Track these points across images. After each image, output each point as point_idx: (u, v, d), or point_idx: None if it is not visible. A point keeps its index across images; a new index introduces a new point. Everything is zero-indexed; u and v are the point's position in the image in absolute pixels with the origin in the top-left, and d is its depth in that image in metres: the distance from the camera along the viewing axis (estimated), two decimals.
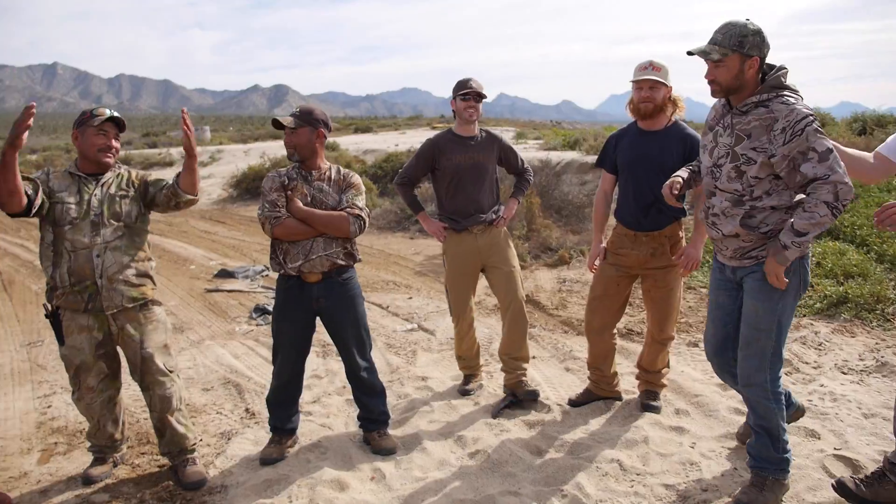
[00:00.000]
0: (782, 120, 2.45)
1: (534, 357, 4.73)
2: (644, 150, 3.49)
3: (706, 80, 2.60)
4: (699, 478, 2.97)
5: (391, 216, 10.59)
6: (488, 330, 5.43)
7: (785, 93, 2.51)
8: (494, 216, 3.94)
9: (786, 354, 3.12)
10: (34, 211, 2.82)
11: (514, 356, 3.90)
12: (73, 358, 3.02)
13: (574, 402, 3.83)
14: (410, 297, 6.58)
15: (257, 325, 5.79)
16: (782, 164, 2.48)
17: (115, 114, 3.00)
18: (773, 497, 2.72)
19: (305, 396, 4.14)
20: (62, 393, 4.40)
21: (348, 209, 3.20)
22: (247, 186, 14.69)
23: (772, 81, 2.52)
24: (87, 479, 3.17)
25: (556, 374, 4.39)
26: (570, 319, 5.67)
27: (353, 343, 3.36)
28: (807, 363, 4.31)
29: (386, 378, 4.40)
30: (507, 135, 24.69)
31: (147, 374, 3.09)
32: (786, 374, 4.02)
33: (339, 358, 4.16)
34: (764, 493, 2.72)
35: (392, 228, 10.27)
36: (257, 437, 3.62)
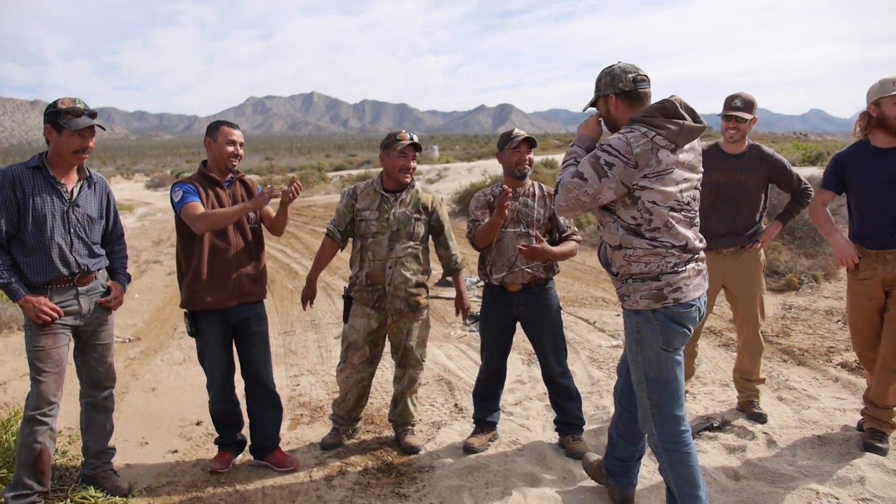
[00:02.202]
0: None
1: None
2: (889, 169, 3.34)
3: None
4: None
5: None
6: (697, 352, 5.28)
7: (633, 125, 2.47)
8: (749, 240, 3.85)
9: None
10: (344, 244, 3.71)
11: (746, 378, 3.98)
12: (349, 335, 3.64)
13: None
14: (618, 314, 6.59)
15: (470, 330, 6.25)
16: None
17: (415, 139, 3.59)
18: None
19: (508, 399, 4.45)
20: (308, 375, 5.21)
21: (574, 236, 3.57)
22: (468, 202, 15.55)
23: (634, 116, 2.50)
24: (323, 446, 3.79)
25: (767, 402, 4.16)
26: (790, 348, 5.29)
27: (550, 349, 3.61)
28: None
29: (585, 389, 4.54)
30: None
31: (405, 359, 3.72)
32: None
33: (537, 366, 4.42)
34: None
35: None
36: (463, 429, 3.99)
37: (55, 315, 2.91)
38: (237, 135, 3.35)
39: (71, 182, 3.02)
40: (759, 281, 3.90)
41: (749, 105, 3.73)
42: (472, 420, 3.85)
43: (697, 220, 2.61)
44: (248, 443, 3.65)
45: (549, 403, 4.22)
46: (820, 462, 3.31)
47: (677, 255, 2.50)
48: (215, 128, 3.36)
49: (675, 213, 2.48)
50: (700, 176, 2.62)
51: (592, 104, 2.72)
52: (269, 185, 3.29)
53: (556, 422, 3.72)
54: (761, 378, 4.00)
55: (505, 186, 3.34)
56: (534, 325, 3.61)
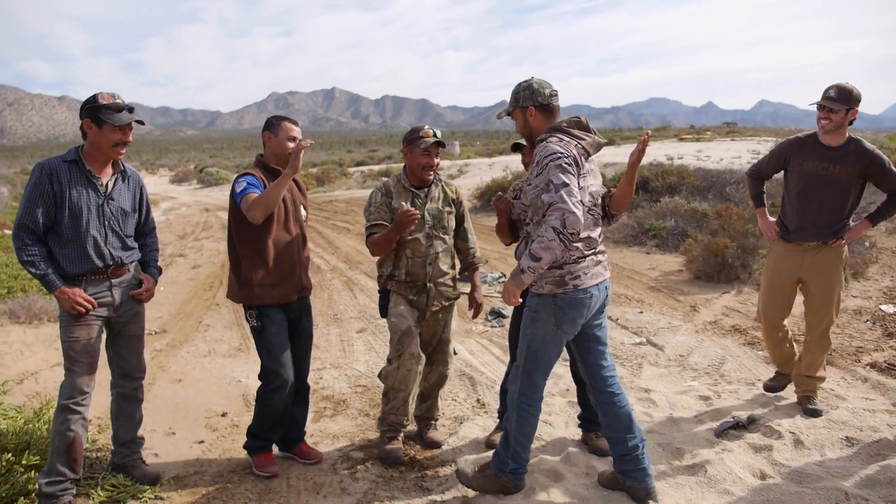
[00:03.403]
0: (537, 156, 2.78)
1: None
2: None
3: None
4: None
5: (627, 230, 10.50)
6: (722, 351, 5.24)
7: (557, 134, 2.84)
8: (833, 236, 3.79)
9: None
10: None
11: (807, 375, 3.99)
12: (400, 324, 3.47)
13: None
14: (641, 312, 6.55)
15: (492, 326, 6.25)
16: (531, 193, 2.79)
17: (439, 135, 3.54)
18: (479, 482, 3.05)
19: None
20: (331, 369, 5.25)
21: None
22: (489, 198, 15.50)
23: (554, 126, 2.89)
24: (395, 460, 3.49)
25: (793, 401, 4.11)
26: None
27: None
28: None
29: None
30: (765, 145, 22.73)
31: (438, 353, 3.69)
32: None
33: (564, 362, 4.41)
34: (478, 474, 3.08)
35: (628, 242, 10.19)
36: (485, 424, 4.00)
37: (89, 306, 2.96)
38: (297, 131, 3.36)
39: (106, 176, 3.08)
40: (838, 279, 3.85)
41: (845, 96, 3.62)
42: (497, 415, 3.85)
43: (600, 221, 3.02)
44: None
45: (570, 400, 4.23)
46: (848, 463, 3.27)
47: (581, 250, 2.87)
48: (276, 123, 3.34)
49: (588, 213, 2.87)
50: (599, 184, 2.99)
51: (508, 114, 3.04)
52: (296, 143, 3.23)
53: (580, 417, 3.71)
54: (822, 376, 4.00)
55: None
56: None
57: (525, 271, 2.69)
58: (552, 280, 2.85)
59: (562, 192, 2.62)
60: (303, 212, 3.48)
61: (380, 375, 3.62)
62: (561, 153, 2.71)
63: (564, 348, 3.46)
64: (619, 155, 22.52)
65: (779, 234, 3.94)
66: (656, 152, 21.09)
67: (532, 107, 2.93)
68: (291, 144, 3.29)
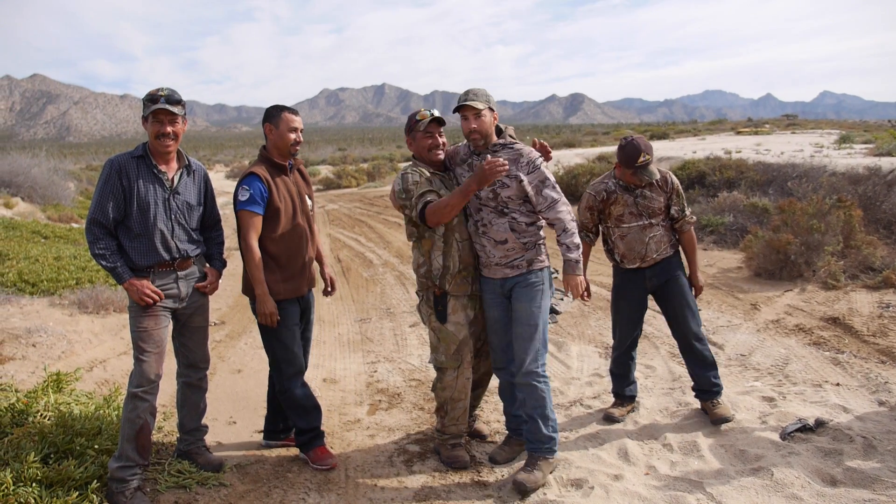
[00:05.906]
0: (524, 153, 3.22)
1: (838, 384, 4.33)
2: None
3: (470, 131, 3.25)
4: None
5: None
6: (786, 351, 5.07)
7: (516, 143, 3.29)
8: None
9: None
10: None
11: None
12: (458, 333, 3.32)
13: None
14: (699, 309, 6.37)
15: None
16: (528, 189, 3.20)
17: (437, 113, 3.38)
18: (541, 475, 3.17)
19: (586, 392, 4.40)
20: (385, 362, 5.29)
21: (685, 223, 3.80)
22: None
23: (512, 135, 3.33)
24: (454, 462, 3.43)
25: (864, 404, 3.95)
26: (890, 349, 4.98)
27: (686, 310, 3.78)
28: None
29: (667, 385, 4.43)
30: (827, 138, 21.87)
31: (487, 344, 3.62)
32: None
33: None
34: (534, 472, 3.16)
35: None
36: None
37: (157, 297, 3.06)
38: (298, 121, 3.35)
39: (171, 170, 3.16)
40: None
41: None
42: (612, 394, 4.10)
43: None
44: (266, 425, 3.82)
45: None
46: None
47: None
48: (276, 114, 3.32)
49: None
50: None
51: (478, 113, 3.23)
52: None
53: (693, 388, 3.95)
54: None
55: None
56: (666, 291, 3.80)
57: (578, 259, 3.16)
58: (546, 252, 3.32)
59: (563, 202, 3.14)
60: (308, 202, 3.50)
61: (434, 389, 3.48)
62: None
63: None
64: (672, 149, 22.01)
65: None
66: (713, 146, 20.50)
67: (494, 111, 3.29)
68: (292, 136, 3.31)
